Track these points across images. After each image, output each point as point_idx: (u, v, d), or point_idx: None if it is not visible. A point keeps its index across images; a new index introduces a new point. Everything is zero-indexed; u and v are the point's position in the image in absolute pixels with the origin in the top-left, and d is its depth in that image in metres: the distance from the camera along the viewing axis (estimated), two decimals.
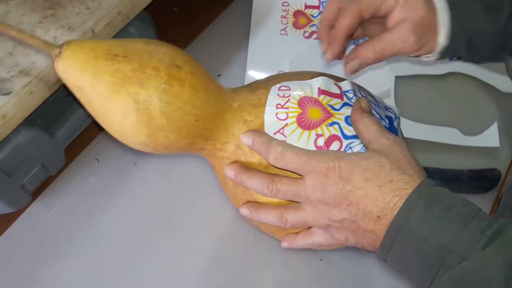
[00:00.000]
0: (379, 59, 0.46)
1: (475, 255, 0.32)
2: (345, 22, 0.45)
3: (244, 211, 0.42)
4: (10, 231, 0.52)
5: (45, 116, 0.50)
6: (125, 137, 0.39)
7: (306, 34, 0.65)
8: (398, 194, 0.36)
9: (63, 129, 0.52)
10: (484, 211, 0.35)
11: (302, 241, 0.42)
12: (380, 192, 0.36)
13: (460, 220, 0.34)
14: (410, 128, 0.58)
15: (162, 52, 0.38)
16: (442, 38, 0.44)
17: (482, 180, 0.55)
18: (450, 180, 0.54)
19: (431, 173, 0.54)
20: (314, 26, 0.65)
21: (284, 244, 0.44)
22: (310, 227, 0.42)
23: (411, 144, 0.56)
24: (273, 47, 0.64)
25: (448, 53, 0.45)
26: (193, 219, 0.52)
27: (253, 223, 0.46)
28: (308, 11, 0.65)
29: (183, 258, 0.50)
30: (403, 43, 0.44)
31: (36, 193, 0.53)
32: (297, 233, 0.43)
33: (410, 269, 0.36)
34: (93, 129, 0.57)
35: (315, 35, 0.65)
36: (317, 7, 0.65)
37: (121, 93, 0.36)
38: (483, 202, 0.53)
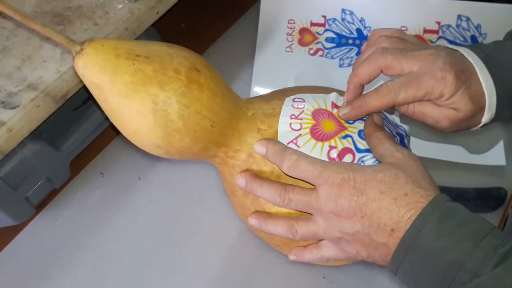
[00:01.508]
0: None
1: (487, 273, 0.32)
2: (376, 105, 0.41)
3: (253, 221, 0.41)
4: (14, 243, 0.51)
5: (51, 130, 0.50)
6: (139, 138, 0.38)
7: (312, 52, 0.65)
8: (413, 207, 0.35)
9: (69, 143, 0.52)
10: (496, 228, 0.35)
11: (310, 254, 0.41)
12: (395, 205, 0.36)
13: (473, 237, 0.34)
14: (415, 146, 0.58)
15: (183, 55, 0.38)
16: (485, 119, 0.42)
17: (488, 198, 0.55)
18: (455, 198, 0.53)
19: None
20: (319, 44, 0.66)
21: (292, 257, 0.43)
22: (319, 241, 0.41)
23: None
24: (278, 63, 0.64)
25: (490, 123, 0.44)
26: (196, 235, 0.52)
27: (259, 235, 0.45)
28: (314, 29, 0.66)
29: (185, 275, 0.49)
30: (435, 123, 0.43)
31: (40, 206, 0.53)
32: (305, 246, 0.42)
33: (420, 284, 0.36)
34: (99, 143, 0.57)
35: (320, 52, 0.65)
36: (323, 25, 0.66)
37: (140, 93, 0.36)
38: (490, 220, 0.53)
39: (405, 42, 0.44)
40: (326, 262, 0.42)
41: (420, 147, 0.59)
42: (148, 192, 0.55)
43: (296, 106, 0.42)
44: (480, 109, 0.41)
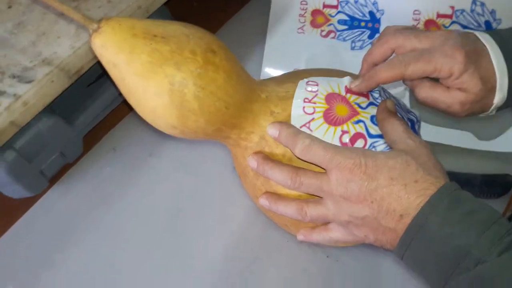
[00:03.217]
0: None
1: (491, 260, 0.33)
2: (386, 76, 0.42)
3: (263, 201, 0.42)
4: (28, 214, 0.53)
5: (65, 105, 0.51)
6: (155, 117, 0.39)
7: (324, 33, 0.65)
8: (423, 194, 0.36)
9: (82, 118, 0.53)
10: (504, 218, 0.36)
11: (319, 236, 0.42)
12: (405, 191, 0.36)
13: (480, 225, 0.34)
14: (424, 131, 0.58)
15: (199, 36, 0.38)
16: (497, 100, 0.42)
17: (495, 185, 0.55)
18: (462, 184, 0.54)
19: None
20: (332, 26, 0.65)
21: (300, 237, 0.43)
22: (327, 223, 0.42)
23: None
24: (290, 45, 0.64)
25: (503, 109, 0.44)
26: (204, 212, 0.53)
27: (268, 214, 0.46)
28: (326, 11, 0.65)
29: (192, 251, 0.50)
30: (448, 108, 0.43)
31: (53, 180, 0.54)
32: (313, 227, 0.43)
33: (426, 269, 0.36)
34: (112, 119, 0.58)
35: (332, 34, 0.65)
36: (335, 7, 0.65)
37: (158, 74, 0.36)
38: (495, 207, 0.53)
39: (412, 29, 0.45)
40: (335, 244, 0.43)
41: (430, 132, 0.59)
42: (159, 169, 0.56)
43: (310, 90, 0.42)
44: (490, 90, 0.41)
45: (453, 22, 0.64)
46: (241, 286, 0.49)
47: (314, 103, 0.41)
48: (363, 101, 0.42)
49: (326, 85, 0.43)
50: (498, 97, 0.41)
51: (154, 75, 0.36)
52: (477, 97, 0.41)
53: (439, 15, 0.64)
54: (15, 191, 0.50)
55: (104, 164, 0.56)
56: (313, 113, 0.41)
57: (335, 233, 0.41)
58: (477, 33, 0.42)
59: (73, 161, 0.55)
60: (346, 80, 0.43)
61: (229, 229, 0.52)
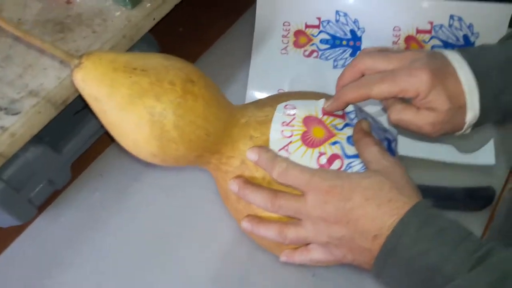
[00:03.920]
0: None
1: (462, 276, 0.34)
2: (352, 96, 0.43)
3: (245, 224, 0.43)
4: (18, 242, 0.53)
5: (52, 134, 0.52)
6: (136, 148, 0.40)
7: (306, 53, 0.66)
8: (396, 213, 0.37)
9: (70, 146, 0.54)
10: (475, 234, 0.37)
11: (300, 256, 0.43)
12: (379, 211, 0.37)
13: (451, 242, 0.35)
14: (405, 146, 0.59)
15: (178, 67, 0.39)
16: (469, 118, 0.42)
17: (477, 198, 0.56)
18: (445, 198, 0.55)
19: (426, 191, 0.54)
20: (314, 45, 0.67)
21: (283, 259, 0.44)
22: (308, 244, 0.43)
23: (406, 162, 0.57)
24: (273, 66, 0.65)
25: (479, 126, 0.44)
26: (191, 236, 0.53)
27: (252, 237, 0.47)
28: (308, 31, 0.67)
29: (180, 275, 0.51)
30: (419, 129, 0.43)
31: (42, 207, 0.55)
32: (295, 248, 0.43)
33: (400, 287, 0.37)
34: (99, 146, 0.58)
35: (315, 54, 0.66)
36: (317, 26, 0.67)
37: (137, 105, 0.37)
38: (478, 219, 0.54)
39: (387, 50, 0.45)
40: (316, 264, 0.44)
41: (410, 146, 0.59)
42: (145, 194, 0.57)
43: (287, 113, 0.43)
44: (459, 108, 0.41)
45: (432, 37, 0.66)
46: None
47: (292, 126, 0.42)
48: (339, 122, 0.43)
49: (303, 108, 0.44)
50: (470, 115, 0.42)
51: (134, 107, 0.37)
52: (447, 116, 0.41)
53: (419, 31, 0.65)
54: (4, 220, 0.51)
55: (91, 190, 0.57)
56: (291, 136, 0.42)
57: (316, 254, 0.42)
58: (446, 52, 0.43)
59: (62, 187, 0.55)
60: (321, 103, 0.44)
61: (216, 251, 0.52)
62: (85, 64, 0.37)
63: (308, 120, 0.43)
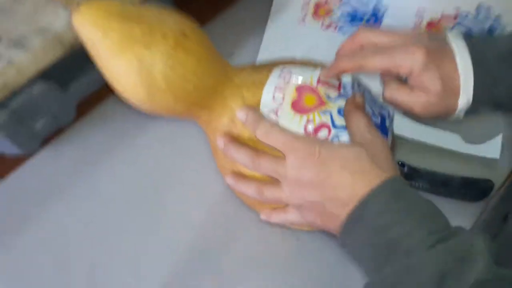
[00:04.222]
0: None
1: (419, 253, 0.34)
2: (345, 65, 0.43)
3: (229, 180, 0.45)
4: (20, 171, 0.56)
5: (61, 72, 0.53)
6: (126, 93, 0.41)
7: (324, 26, 0.66)
8: (367, 184, 0.37)
9: (76, 85, 0.55)
10: (444, 216, 0.37)
11: (277, 217, 0.45)
12: (352, 180, 0.38)
13: (416, 219, 0.36)
14: (411, 128, 0.58)
15: (173, 20, 0.40)
16: (462, 103, 0.42)
17: (474, 189, 0.55)
18: (440, 184, 0.55)
19: (421, 175, 0.54)
20: (333, 18, 0.66)
21: (262, 217, 0.46)
22: (286, 205, 0.44)
23: (407, 143, 0.57)
24: (289, 34, 0.65)
25: (471, 114, 0.44)
26: (183, 187, 0.55)
27: (237, 194, 0.48)
28: (330, 2, 0.66)
29: (168, 222, 0.53)
30: (410, 109, 0.43)
31: (46, 141, 0.57)
32: (275, 208, 0.45)
33: (362, 256, 0.38)
34: (106, 91, 0.60)
35: (332, 27, 0.66)
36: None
37: (127, 53, 0.38)
38: (471, 210, 0.54)
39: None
40: (291, 225, 0.45)
41: (416, 130, 0.58)
42: (145, 142, 0.58)
43: (282, 78, 0.43)
44: (452, 91, 0.41)
45: (457, 24, 0.64)
46: (210, 259, 0.51)
47: (285, 91, 0.43)
48: (333, 92, 0.43)
49: (299, 75, 0.44)
50: (463, 100, 0.41)
51: (124, 54, 0.38)
52: (438, 98, 0.41)
53: (444, 16, 0.63)
54: (7, 148, 0.53)
55: (94, 132, 0.58)
56: (282, 100, 0.42)
57: (291, 215, 0.43)
58: (449, 35, 0.42)
59: (66, 126, 0.57)
60: (318, 72, 0.44)
61: (205, 205, 0.54)
62: (82, 9, 0.38)
63: (301, 87, 0.43)
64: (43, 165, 0.57)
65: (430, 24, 0.64)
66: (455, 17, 0.63)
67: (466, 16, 0.63)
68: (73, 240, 0.52)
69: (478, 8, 0.63)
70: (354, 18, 0.65)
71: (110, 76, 0.40)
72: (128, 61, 0.38)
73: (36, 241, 0.52)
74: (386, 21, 0.65)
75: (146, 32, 0.38)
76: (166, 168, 0.56)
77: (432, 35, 0.42)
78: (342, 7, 0.66)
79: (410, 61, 0.40)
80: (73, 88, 0.55)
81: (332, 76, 0.44)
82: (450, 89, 0.41)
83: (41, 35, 0.48)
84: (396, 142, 0.51)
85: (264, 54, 0.64)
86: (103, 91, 0.59)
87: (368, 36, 0.44)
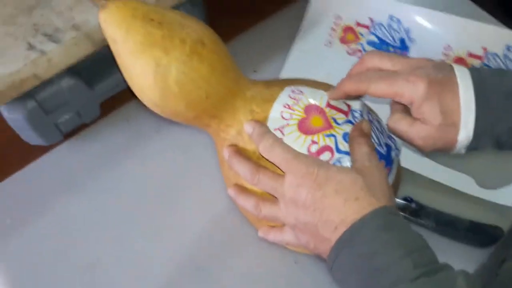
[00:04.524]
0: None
1: (403, 285, 0.34)
2: (350, 87, 0.43)
3: (230, 191, 0.45)
4: (40, 160, 0.59)
5: (89, 70, 0.56)
6: (141, 93, 0.43)
7: (350, 51, 0.67)
8: (359, 211, 0.38)
9: (102, 85, 0.57)
10: (432, 251, 0.37)
11: (274, 235, 0.45)
12: (344, 205, 0.38)
13: (403, 251, 0.35)
14: (425, 166, 0.57)
15: (193, 28, 0.42)
16: (462, 138, 0.41)
17: (481, 234, 0.54)
18: (447, 225, 0.53)
19: (429, 213, 0.54)
20: (360, 45, 0.67)
21: (260, 234, 0.46)
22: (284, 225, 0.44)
23: (419, 179, 0.56)
24: (314, 55, 0.66)
25: (471, 149, 0.43)
26: (191, 194, 0.56)
27: (240, 209, 0.49)
28: (358, 29, 0.67)
29: (171, 228, 0.54)
30: (411, 141, 0.43)
31: (68, 135, 0.60)
32: (273, 227, 0.46)
33: (347, 283, 0.38)
34: (128, 92, 0.62)
35: (358, 54, 0.66)
36: (368, 27, 0.67)
37: (146, 54, 0.40)
38: (476, 256, 0.53)
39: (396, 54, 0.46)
40: (287, 246, 0.45)
41: (430, 168, 0.57)
42: (160, 146, 0.60)
43: (292, 97, 0.44)
44: (452, 124, 0.40)
45: (483, 64, 0.63)
46: (207, 270, 0.52)
47: (293, 110, 0.44)
48: (340, 117, 0.44)
49: (309, 96, 0.44)
50: (462, 135, 0.41)
51: (143, 55, 0.40)
52: (438, 131, 0.41)
53: (470, 54, 0.64)
54: (32, 137, 0.56)
55: (115, 131, 0.61)
56: (289, 119, 0.43)
57: (287, 236, 0.44)
58: (456, 67, 0.42)
59: (89, 122, 0.60)
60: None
61: (209, 215, 0.55)
62: (110, 7, 0.40)
63: (310, 108, 0.44)
64: (63, 158, 0.59)
65: (458, 60, 0.64)
66: (482, 57, 0.63)
67: (494, 56, 0.63)
68: (81, 231, 0.54)
69: (506, 49, 0.63)
70: (380, 47, 0.66)
71: (128, 75, 0.42)
72: (146, 63, 0.40)
73: (47, 228, 0.54)
74: (413, 54, 0.65)
75: (166, 37, 0.40)
76: (177, 174, 0.58)
77: (437, 65, 0.42)
78: (369, 36, 0.66)
79: (411, 91, 0.40)
80: (99, 87, 0.58)
81: (337, 96, 0.45)
82: (451, 123, 0.40)
83: (75, 30, 0.51)
84: (402, 175, 0.50)
85: (287, 73, 0.65)
86: (127, 93, 0.62)
87: (375, 61, 0.44)
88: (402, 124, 0.43)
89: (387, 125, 0.45)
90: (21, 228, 0.54)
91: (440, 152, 0.43)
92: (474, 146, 0.42)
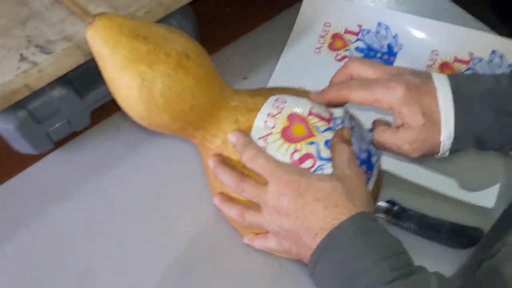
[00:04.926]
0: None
1: (380, 286, 0.35)
2: (332, 95, 0.45)
3: (216, 200, 0.47)
4: (31, 169, 0.60)
5: (80, 80, 0.57)
6: (127, 107, 0.44)
7: (338, 57, 0.67)
8: (337, 218, 0.39)
9: (93, 94, 0.58)
10: (408, 254, 0.38)
11: (258, 242, 0.47)
12: (324, 213, 0.39)
13: (379, 255, 0.37)
14: (408, 170, 0.58)
15: (178, 41, 0.43)
16: (444, 138, 0.43)
17: (462, 236, 0.54)
18: (429, 227, 0.54)
19: (411, 216, 0.55)
20: (348, 51, 0.68)
21: (245, 240, 0.48)
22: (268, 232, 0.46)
23: (402, 182, 0.57)
24: (303, 62, 0.67)
25: (455, 150, 0.44)
26: (178, 201, 0.57)
27: (225, 216, 0.50)
28: (347, 36, 0.68)
29: (159, 234, 0.55)
30: (398, 149, 0.45)
31: (59, 144, 0.60)
32: (257, 234, 0.47)
33: (326, 287, 0.39)
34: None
35: (346, 60, 0.67)
36: (356, 34, 0.68)
37: (132, 69, 0.41)
38: (457, 257, 0.53)
39: (377, 61, 0.48)
40: (271, 252, 0.46)
41: (414, 172, 0.58)
42: (150, 155, 0.61)
43: (276, 106, 0.45)
44: (434, 124, 0.42)
45: (469, 69, 0.64)
46: (194, 274, 0.53)
47: (276, 118, 0.45)
48: (322, 125, 0.45)
49: (292, 105, 0.45)
50: (445, 134, 0.42)
51: (129, 70, 0.41)
52: (422, 133, 0.42)
53: (457, 59, 0.64)
54: (23, 146, 0.57)
55: (105, 140, 0.62)
56: (272, 127, 0.44)
57: (270, 242, 0.45)
58: (433, 74, 0.44)
59: (79, 131, 0.61)
60: (311, 104, 0.46)
61: (195, 222, 0.56)
62: (96, 23, 0.41)
63: (292, 116, 0.45)
64: (53, 166, 0.60)
65: (444, 65, 0.65)
66: (468, 62, 0.64)
67: (480, 61, 0.64)
68: (72, 238, 0.55)
69: (492, 55, 0.63)
70: (368, 53, 0.67)
71: (114, 89, 0.43)
72: (131, 78, 0.41)
73: (38, 236, 0.55)
74: (400, 59, 0.66)
75: (151, 51, 0.41)
76: (165, 182, 0.59)
77: (416, 72, 0.44)
78: (357, 42, 0.67)
79: (389, 97, 0.42)
80: (89, 97, 0.59)
81: (319, 101, 0.46)
82: (433, 123, 0.42)
83: (66, 42, 0.51)
84: (385, 179, 0.51)
85: (276, 80, 0.66)
86: (116, 103, 0.63)
87: (357, 68, 0.46)
88: (386, 134, 0.44)
89: (372, 140, 0.46)
90: (12, 235, 0.55)
91: (427, 156, 0.45)
92: (456, 147, 0.43)
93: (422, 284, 0.35)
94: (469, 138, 0.43)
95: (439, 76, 0.43)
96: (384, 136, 0.44)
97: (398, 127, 0.44)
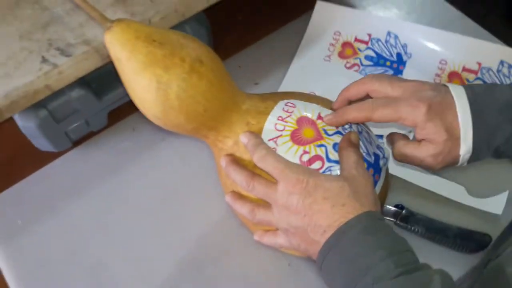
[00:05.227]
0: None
1: (384, 282, 0.37)
2: (354, 116, 0.45)
3: (228, 198, 0.48)
4: (50, 166, 0.63)
5: (99, 81, 0.59)
6: (144, 108, 0.46)
7: (348, 65, 0.69)
8: (345, 216, 0.41)
9: (110, 95, 0.61)
10: (414, 252, 0.40)
11: (268, 239, 0.48)
12: (331, 211, 0.41)
13: (386, 252, 0.38)
14: (417, 176, 0.60)
15: (192, 47, 0.45)
16: (463, 152, 0.44)
17: (470, 241, 0.55)
18: (437, 232, 0.56)
19: (419, 220, 0.56)
20: (358, 59, 0.69)
21: (255, 237, 0.49)
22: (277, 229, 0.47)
23: (411, 187, 0.59)
24: (313, 69, 0.69)
25: (473, 161, 0.46)
26: (192, 201, 0.59)
27: (236, 214, 0.52)
28: (356, 44, 0.70)
29: (171, 232, 0.57)
30: (421, 162, 0.46)
31: (77, 143, 0.63)
32: (267, 231, 0.49)
33: (334, 282, 0.41)
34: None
35: (356, 67, 0.69)
36: (366, 42, 0.69)
37: (148, 72, 0.43)
38: (465, 261, 0.55)
39: (394, 77, 0.48)
40: (280, 248, 0.48)
41: (423, 178, 0.60)
42: (166, 154, 0.63)
43: (286, 110, 0.47)
44: (456, 139, 0.43)
45: (477, 78, 0.66)
46: (204, 271, 0.54)
47: (286, 122, 0.46)
48: (331, 129, 0.47)
49: (301, 109, 0.47)
50: (463, 149, 0.44)
51: (145, 73, 0.43)
52: (446, 147, 0.44)
53: (465, 69, 0.66)
54: (42, 144, 0.60)
55: (122, 140, 0.64)
56: (282, 130, 0.46)
57: (280, 239, 0.46)
58: (450, 86, 0.45)
59: (97, 131, 0.63)
60: (320, 108, 0.48)
61: (207, 220, 0.58)
62: (114, 29, 0.43)
63: (302, 120, 0.47)
64: (71, 164, 0.63)
65: (452, 74, 0.66)
66: (476, 72, 0.65)
67: (488, 71, 0.65)
68: (87, 234, 0.58)
69: (500, 65, 0.65)
70: (377, 62, 0.69)
71: (131, 91, 0.45)
72: (148, 80, 0.43)
73: (54, 230, 0.58)
74: (409, 68, 0.68)
75: (167, 56, 0.43)
76: (178, 181, 0.61)
77: (434, 86, 0.45)
78: (367, 50, 0.69)
79: (414, 114, 0.43)
80: (107, 98, 0.61)
81: (339, 124, 0.47)
82: (454, 137, 0.43)
83: (85, 45, 0.54)
84: (393, 183, 0.53)
85: (287, 86, 0.68)
86: (133, 104, 0.64)
87: (375, 85, 0.46)
88: (409, 148, 0.45)
89: (393, 155, 0.47)
90: (31, 229, 0.58)
91: (448, 167, 0.46)
92: (474, 158, 0.45)
93: (425, 280, 0.37)
94: (487, 150, 0.44)
95: (456, 89, 0.44)
96: (407, 149, 0.46)
97: (419, 141, 0.45)
